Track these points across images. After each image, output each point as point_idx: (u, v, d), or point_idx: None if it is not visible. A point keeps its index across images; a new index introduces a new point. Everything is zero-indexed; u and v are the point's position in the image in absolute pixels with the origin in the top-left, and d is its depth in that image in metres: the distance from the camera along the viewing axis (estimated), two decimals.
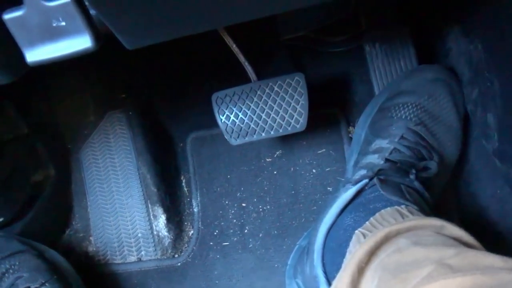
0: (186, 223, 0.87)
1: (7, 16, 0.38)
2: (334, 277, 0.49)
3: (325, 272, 0.57)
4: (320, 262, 0.58)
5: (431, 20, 0.79)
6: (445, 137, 0.67)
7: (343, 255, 0.54)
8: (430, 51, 0.79)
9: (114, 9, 0.36)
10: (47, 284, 0.69)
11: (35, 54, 0.40)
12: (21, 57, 0.41)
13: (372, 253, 0.47)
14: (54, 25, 0.38)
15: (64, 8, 0.37)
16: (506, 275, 0.35)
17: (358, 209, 0.58)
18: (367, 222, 0.54)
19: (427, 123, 0.66)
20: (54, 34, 0.39)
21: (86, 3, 0.38)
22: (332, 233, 0.59)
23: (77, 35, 0.39)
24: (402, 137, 0.64)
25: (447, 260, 0.38)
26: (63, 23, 0.38)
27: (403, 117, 0.66)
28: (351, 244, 0.54)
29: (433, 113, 0.67)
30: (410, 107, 0.67)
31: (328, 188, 0.82)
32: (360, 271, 0.46)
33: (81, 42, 0.39)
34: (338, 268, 0.50)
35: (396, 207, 0.54)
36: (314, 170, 0.83)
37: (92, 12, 0.39)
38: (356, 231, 0.54)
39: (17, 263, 0.71)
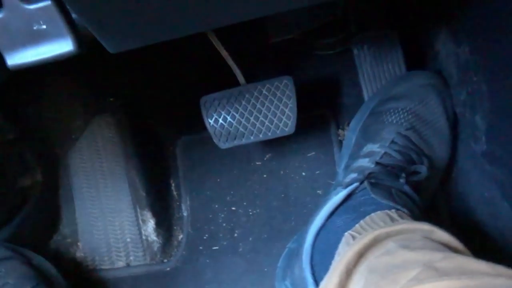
0: (175, 228, 0.86)
1: None
2: (322, 279, 0.49)
3: (313, 274, 0.57)
4: (308, 263, 0.58)
5: (419, 23, 0.79)
6: (435, 142, 0.68)
7: (332, 257, 0.54)
8: (419, 54, 0.79)
9: (95, 13, 0.35)
10: None
11: (16, 58, 0.39)
12: (2, 61, 0.40)
13: (360, 255, 0.47)
14: (35, 28, 0.38)
15: (45, 11, 0.37)
16: (493, 280, 0.35)
17: (348, 212, 0.58)
18: (357, 225, 0.54)
19: (417, 128, 0.66)
20: (35, 38, 0.38)
21: (67, 7, 0.37)
22: (322, 235, 0.59)
23: (58, 39, 0.38)
24: (392, 142, 0.64)
25: (434, 263, 0.38)
26: (44, 26, 0.37)
27: (394, 121, 0.67)
28: (340, 246, 0.54)
29: (423, 118, 0.67)
30: (401, 112, 0.67)
31: (318, 191, 0.82)
32: (348, 272, 0.46)
33: (63, 46, 0.39)
34: (326, 269, 0.50)
35: (386, 210, 0.55)
36: (304, 173, 0.83)
37: (74, 15, 0.39)
38: (346, 233, 0.54)
39: (3, 269, 0.70)
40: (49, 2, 0.36)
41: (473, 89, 0.62)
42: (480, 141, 0.63)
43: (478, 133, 0.63)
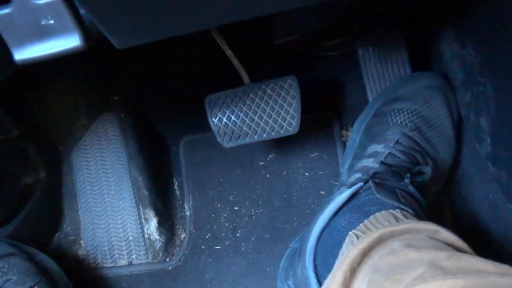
0: (178, 227, 0.86)
1: None
2: (325, 278, 0.49)
3: (316, 273, 0.57)
4: (311, 263, 0.58)
5: (424, 24, 0.79)
6: (439, 143, 0.68)
7: (335, 257, 0.54)
8: (423, 55, 0.79)
9: (103, 8, 0.35)
10: (36, 287, 0.68)
11: (23, 53, 0.39)
12: (9, 55, 0.40)
13: (365, 254, 0.47)
14: (43, 23, 0.38)
15: (53, 6, 0.37)
16: (498, 279, 0.35)
17: (353, 211, 0.58)
18: (361, 224, 0.54)
19: (422, 129, 0.66)
20: (42, 33, 0.38)
21: (75, 2, 0.37)
22: (325, 234, 0.59)
23: (66, 34, 0.38)
24: (397, 142, 0.64)
25: (439, 262, 0.38)
26: (52, 22, 0.37)
27: (399, 122, 0.66)
28: (344, 245, 0.54)
29: (428, 120, 0.67)
30: (405, 113, 0.67)
31: (321, 192, 0.81)
32: (352, 271, 0.46)
33: (70, 41, 0.39)
34: (329, 269, 0.50)
35: (391, 210, 0.54)
36: (307, 174, 0.83)
37: (82, 10, 0.39)
38: (350, 233, 0.54)
39: (6, 265, 0.70)
40: None
41: (478, 91, 0.62)
42: (485, 143, 0.63)
43: (482, 135, 0.63)
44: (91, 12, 0.36)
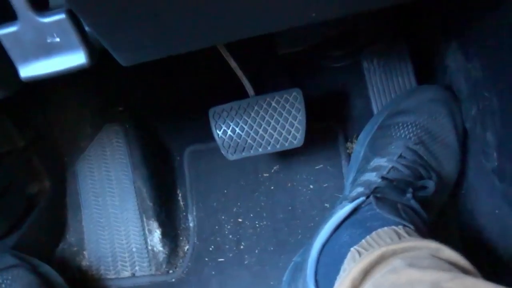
0: (181, 238, 0.86)
1: (1, 32, 0.38)
2: None
3: None
4: (313, 278, 0.57)
5: (430, 37, 0.79)
6: (444, 157, 0.67)
7: (337, 272, 0.53)
8: (428, 68, 0.79)
9: (108, 26, 0.36)
10: None
11: (29, 70, 0.40)
12: (15, 72, 0.40)
13: (366, 272, 0.46)
14: (49, 41, 0.38)
15: (59, 24, 0.37)
16: None
17: (354, 226, 0.57)
18: (363, 240, 0.53)
19: (426, 142, 0.66)
20: (48, 50, 0.39)
21: (81, 20, 0.38)
22: (327, 249, 0.59)
23: (71, 51, 0.39)
24: (400, 156, 0.64)
25: (441, 284, 0.37)
26: (58, 39, 0.38)
27: (403, 136, 0.66)
28: (345, 261, 0.53)
29: (432, 133, 0.67)
30: (409, 126, 0.67)
31: (326, 204, 0.81)
32: None
33: (76, 58, 0.39)
34: (331, 284, 0.49)
35: (393, 227, 0.54)
36: (311, 186, 0.82)
37: (87, 28, 0.39)
38: (352, 249, 0.53)
39: (10, 277, 0.70)
40: (63, 16, 0.37)
41: (484, 105, 0.62)
42: (491, 157, 0.62)
43: (488, 149, 0.63)
44: (96, 30, 0.36)
